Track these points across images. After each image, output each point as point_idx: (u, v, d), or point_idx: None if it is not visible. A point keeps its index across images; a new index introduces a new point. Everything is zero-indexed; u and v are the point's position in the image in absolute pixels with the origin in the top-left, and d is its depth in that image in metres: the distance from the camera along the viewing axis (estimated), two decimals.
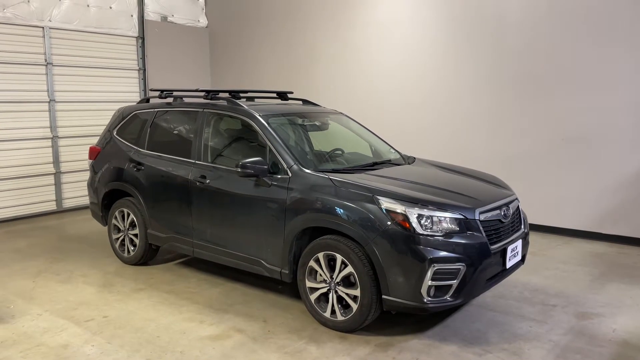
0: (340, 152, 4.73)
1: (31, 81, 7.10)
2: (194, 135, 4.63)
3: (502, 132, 6.35)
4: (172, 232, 4.69)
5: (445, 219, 3.37)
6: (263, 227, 3.98)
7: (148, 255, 5.07)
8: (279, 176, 3.92)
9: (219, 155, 4.52)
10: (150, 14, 8.50)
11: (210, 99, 4.80)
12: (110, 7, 7.91)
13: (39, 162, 7.31)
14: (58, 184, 7.53)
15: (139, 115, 5.26)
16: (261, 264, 4.04)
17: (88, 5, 7.63)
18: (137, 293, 4.41)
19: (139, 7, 8.30)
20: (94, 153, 5.49)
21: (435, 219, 3.35)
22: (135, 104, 5.52)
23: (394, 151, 4.93)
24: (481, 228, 3.45)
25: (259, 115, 4.27)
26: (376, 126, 5.71)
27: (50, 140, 7.39)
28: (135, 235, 5.04)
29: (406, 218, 3.32)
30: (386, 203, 3.40)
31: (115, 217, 5.23)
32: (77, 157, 7.57)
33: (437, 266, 3.24)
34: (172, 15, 8.87)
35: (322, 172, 3.84)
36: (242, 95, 5.02)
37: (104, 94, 7.90)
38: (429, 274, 3.23)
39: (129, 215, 5.09)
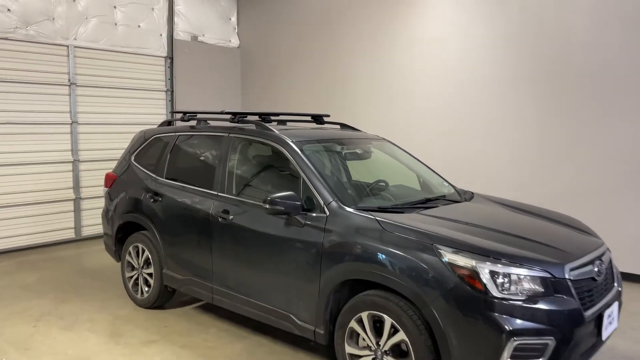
0: (383, 184, 4.06)
1: (53, 102, 6.73)
2: (217, 163, 4.05)
3: (569, 163, 5.55)
4: (189, 274, 4.08)
5: (527, 278, 2.64)
6: (294, 275, 3.32)
7: (163, 298, 4.47)
8: (315, 214, 3.27)
9: (245, 187, 3.91)
10: (180, 33, 8.12)
11: (237, 122, 4.22)
12: (139, 26, 7.56)
13: (58, 187, 6.89)
14: (77, 211, 7.09)
15: (158, 139, 4.73)
16: (291, 320, 3.37)
17: (116, 24, 7.28)
18: (147, 346, 3.79)
19: (168, 26, 7.93)
20: (110, 180, 4.99)
21: (514, 277, 2.62)
22: (156, 127, 5.01)
23: (447, 184, 4.22)
24: (572, 289, 2.69)
25: (292, 142, 3.65)
26: (418, 154, 5.01)
27: (70, 164, 6.97)
28: (150, 274, 4.46)
29: (476, 275, 2.61)
30: (449, 254, 2.70)
31: (129, 253, 4.67)
32: (99, 183, 7.08)
33: (518, 340, 2.50)
34: (203, 35, 8.48)
35: (367, 210, 3.17)
36: (272, 118, 4.44)
37: (129, 116, 7.48)
38: (508, 350, 2.49)
39: (143, 251, 4.52)
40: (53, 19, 6.64)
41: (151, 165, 4.64)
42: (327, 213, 3.21)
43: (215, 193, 3.94)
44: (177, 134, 4.57)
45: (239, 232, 3.66)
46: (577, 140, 5.48)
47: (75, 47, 6.88)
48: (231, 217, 3.71)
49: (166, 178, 4.44)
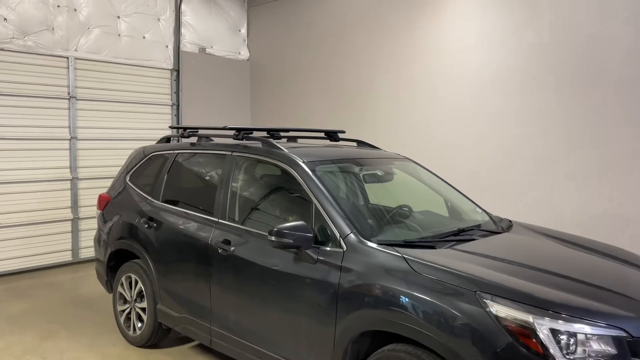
0: (407, 210, 3.55)
1: (51, 116, 6.34)
2: (218, 185, 3.57)
3: (606, 183, 4.97)
4: (185, 312, 3.59)
5: (597, 338, 2.10)
6: (305, 320, 2.80)
7: (158, 336, 3.97)
8: (329, 249, 2.77)
9: (249, 213, 3.43)
10: (187, 45, 7.75)
11: (242, 140, 3.74)
12: (144, 37, 7.19)
13: (55, 206, 6.47)
14: (75, 232, 6.65)
15: (155, 158, 4.28)
16: None
17: (119, 35, 6.92)
18: None
19: (175, 37, 7.56)
20: (103, 202, 4.54)
21: (580, 336, 2.08)
22: (154, 144, 4.56)
23: (480, 210, 3.69)
24: None
25: (302, 162, 3.17)
26: (439, 172, 4.48)
27: (69, 182, 6.56)
28: (144, 309, 3.97)
29: (532, 333, 2.07)
30: (497, 305, 2.17)
31: (122, 284, 4.19)
32: None
33: None
34: (211, 47, 8.09)
35: (391, 245, 2.66)
36: (282, 134, 3.97)
37: (132, 132, 7.07)
38: None
39: (136, 283, 4.03)
40: (53, 29, 6.28)
41: (147, 186, 4.19)
42: (344, 248, 2.70)
43: (216, 220, 3.45)
44: (175, 151, 4.11)
45: (241, 267, 3.16)
46: (614, 157, 4.91)
47: (75, 58, 6.52)
48: (232, 248, 3.22)
49: (162, 201, 3.98)
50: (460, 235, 3.03)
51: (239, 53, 8.49)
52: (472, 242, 2.90)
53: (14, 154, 6.06)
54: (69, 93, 6.48)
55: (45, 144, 6.32)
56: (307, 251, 2.79)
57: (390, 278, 2.47)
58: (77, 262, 6.66)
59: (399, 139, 6.48)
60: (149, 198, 4.07)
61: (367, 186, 3.71)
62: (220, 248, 3.29)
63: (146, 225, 3.93)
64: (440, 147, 6.14)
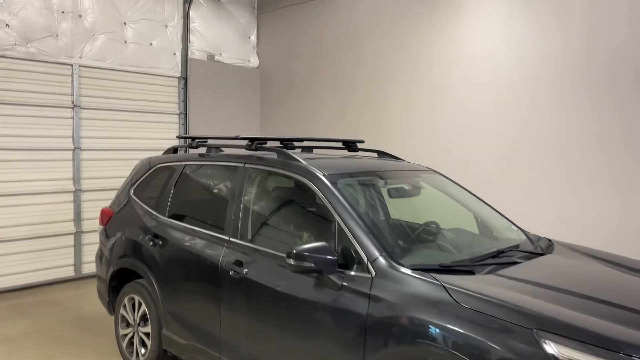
0: (434, 227, 3.24)
1: (54, 126, 6.10)
2: (230, 200, 3.28)
3: None
4: (192, 339, 3.28)
5: None
6: (327, 354, 2.48)
7: None
8: (354, 273, 2.46)
9: (263, 231, 3.13)
10: (196, 52, 7.51)
11: (255, 150, 3.45)
12: (151, 44, 6.96)
13: (58, 219, 6.20)
14: (78, 246, 6.38)
15: (162, 169, 4.00)
16: None
17: (126, 42, 6.69)
18: None
19: (183, 44, 7.32)
20: (106, 217, 4.26)
21: None
22: (160, 155, 4.28)
23: (515, 228, 3.37)
24: None
25: (323, 175, 2.87)
26: (463, 184, 4.17)
27: (72, 194, 6.30)
28: (147, 334, 3.67)
29: None
30: (559, 347, 1.85)
31: (124, 306, 3.89)
32: None
33: None
34: (220, 54, 7.85)
35: (426, 270, 2.35)
36: (296, 144, 3.68)
37: (138, 142, 6.82)
38: None
39: (140, 305, 3.74)
40: (57, 35, 6.05)
41: (152, 200, 3.90)
42: (373, 273, 2.39)
43: (227, 238, 3.16)
44: (182, 163, 3.82)
45: (254, 291, 2.86)
46: None
47: (80, 66, 6.28)
48: (245, 270, 2.91)
49: (168, 216, 3.69)
50: (499, 258, 2.71)
51: (249, 61, 8.24)
52: (514, 266, 2.58)
53: (15, 164, 5.81)
54: (72, 102, 6.23)
55: (47, 155, 6.07)
56: (330, 276, 2.48)
57: (428, 310, 2.15)
58: (79, 278, 6.38)
59: (413, 147, 6.16)
60: (154, 213, 3.78)
61: (389, 201, 3.41)
62: (231, 270, 2.98)
63: (151, 243, 3.64)
64: (461, 156, 5.82)
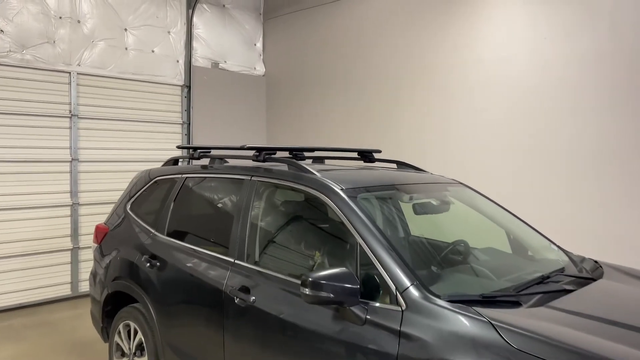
0: (463, 246, 2.87)
1: (50, 136, 5.80)
2: (235, 217, 2.93)
3: None
4: None
5: None
6: None
7: None
8: (380, 305, 2.10)
9: (273, 253, 2.77)
10: (200, 59, 7.22)
11: (263, 161, 3.11)
12: (153, 51, 6.67)
13: (54, 235, 5.87)
14: (75, 263, 6.04)
15: (161, 183, 3.67)
16: None
17: (126, 48, 6.40)
18: None
19: (186, 51, 7.03)
20: (101, 234, 3.91)
21: None
22: (159, 167, 3.95)
23: (555, 248, 2.99)
24: None
25: (340, 189, 2.52)
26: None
27: (69, 208, 5.98)
28: None
29: None
30: None
31: (119, 333, 3.54)
32: None
33: None
34: (225, 62, 7.56)
35: (467, 302, 1.98)
36: (307, 155, 3.33)
37: (139, 153, 6.51)
38: None
39: (136, 333, 3.38)
40: (54, 42, 5.77)
41: (150, 216, 3.56)
42: (404, 306, 2.03)
43: (231, 260, 2.81)
44: (183, 175, 3.49)
45: (263, 323, 2.50)
46: None
47: (78, 73, 5.99)
48: (252, 298, 2.56)
49: (167, 234, 3.34)
50: (545, 285, 2.34)
51: (254, 68, 7.94)
52: (566, 295, 2.21)
53: (8, 177, 5.50)
54: (70, 111, 5.94)
55: (43, 167, 5.76)
56: (352, 309, 2.12)
57: (475, 354, 1.78)
58: (76, 297, 6.03)
59: (429, 156, 5.81)
60: (152, 231, 3.44)
61: (410, 218, 3.05)
62: (237, 297, 2.63)
63: (148, 264, 3.29)
64: (479, 167, 5.45)
